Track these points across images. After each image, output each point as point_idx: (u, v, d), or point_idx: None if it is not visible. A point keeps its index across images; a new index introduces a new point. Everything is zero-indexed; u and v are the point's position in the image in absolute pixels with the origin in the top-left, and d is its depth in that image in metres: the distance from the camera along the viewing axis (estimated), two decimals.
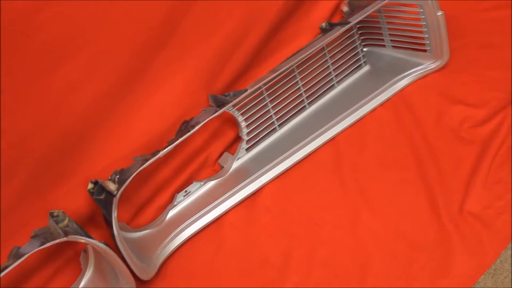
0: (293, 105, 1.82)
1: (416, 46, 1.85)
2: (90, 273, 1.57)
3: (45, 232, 1.41)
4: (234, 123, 1.75)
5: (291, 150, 1.74)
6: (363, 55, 1.95)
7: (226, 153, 1.81)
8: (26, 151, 1.48)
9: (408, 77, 1.87)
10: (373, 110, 1.83)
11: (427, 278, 1.39)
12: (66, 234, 1.37)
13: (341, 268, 1.46)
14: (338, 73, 1.89)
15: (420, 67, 1.87)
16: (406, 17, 1.81)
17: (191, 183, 1.73)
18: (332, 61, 1.85)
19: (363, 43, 1.95)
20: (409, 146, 1.68)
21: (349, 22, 1.74)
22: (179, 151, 1.72)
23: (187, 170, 1.77)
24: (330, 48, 1.82)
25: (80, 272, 1.58)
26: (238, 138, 1.80)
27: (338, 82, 1.90)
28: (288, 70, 1.73)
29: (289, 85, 1.77)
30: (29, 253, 1.33)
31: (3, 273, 1.29)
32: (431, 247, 1.44)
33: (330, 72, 1.86)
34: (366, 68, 1.97)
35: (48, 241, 1.35)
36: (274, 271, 1.50)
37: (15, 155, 1.46)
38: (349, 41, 1.89)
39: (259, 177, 1.72)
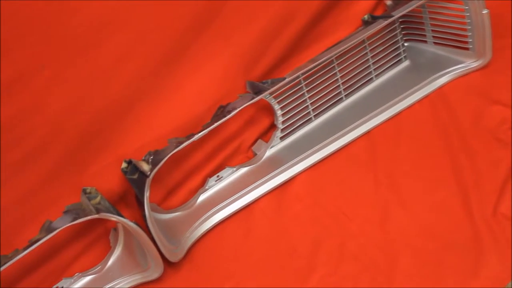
0: (330, 96, 1.82)
1: (459, 43, 1.83)
2: (118, 251, 1.60)
3: (77, 208, 1.43)
4: (270, 111, 1.76)
5: (325, 141, 1.75)
6: (403, 50, 1.94)
7: (260, 141, 1.82)
8: (64, 126, 1.51)
9: (448, 75, 1.86)
10: (410, 106, 1.82)
11: (457, 279, 1.38)
12: (98, 211, 1.39)
13: (369, 262, 1.46)
14: (377, 67, 1.88)
15: (461, 65, 1.86)
16: (450, 14, 1.80)
17: (224, 168, 1.74)
18: (372, 54, 1.85)
19: (404, 38, 1.94)
20: (445, 144, 1.67)
21: (392, 16, 1.75)
22: (213, 136, 1.73)
23: (220, 155, 1.79)
24: (371, 41, 1.82)
25: (109, 250, 1.62)
26: (273, 126, 1.81)
27: (377, 75, 1.89)
28: (328, 61, 1.73)
29: (327, 76, 1.78)
30: (61, 228, 1.36)
31: (34, 246, 1.33)
32: (462, 248, 1.43)
33: (369, 65, 1.86)
34: (406, 63, 1.96)
35: (80, 217, 1.38)
36: (302, 261, 1.51)
37: (53, 130, 1.49)
38: (391, 35, 1.89)
39: (292, 167, 1.73)
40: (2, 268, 1.32)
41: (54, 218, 1.41)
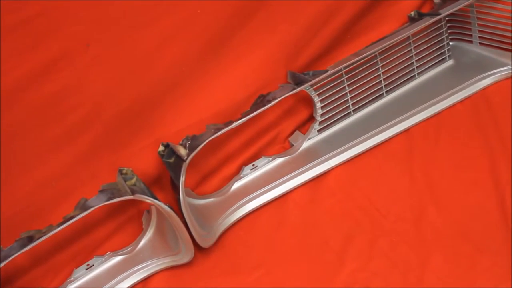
0: (370, 92, 1.82)
1: (505, 45, 1.82)
2: (150, 233, 1.63)
3: (113, 188, 1.47)
4: (309, 103, 1.77)
5: (363, 137, 1.76)
6: (448, 49, 1.94)
7: (297, 132, 1.83)
8: (105, 106, 1.55)
9: (492, 77, 1.85)
10: (451, 106, 1.82)
11: (489, 282, 1.37)
12: (133, 192, 1.42)
13: (401, 260, 1.47)
14: (421, 65, 1.89)
15: (507, 67, 1.85)
16: (498, 15, 1.78)
17: (260, 157, 1.76)
18: (416, 52, 1.85)
19: (449, 37, 1.94)
20: (485, 146, 1.66)
21: (439, 14, 1.75)
22: (251, 125, 1.76)
23: (257, 144, 1.81)
24: (415, 38, 1.82)
25: (141, 232, 1.65)
26: (311, 118, 1.82)
27: (420, 73, 1.89)
28: (371, 56, 1.74)
29: (369, 71, 1.78)
30: (95, 207, 1.40)
31: (68, 223, 1.37)
32: (497, 251, 1.42)
33: (412, 63, 1.86)
34: (449, 63, 1.96)
35: (115, 197, 1.42)
36: (333, 255, 1.52)
37: (94, 109, 1.52)
38: (436, 33, 1.88)
39: (328, 160, 1.74)
40: (36, 242, 1.36)
41: (89, 196, 1.45)
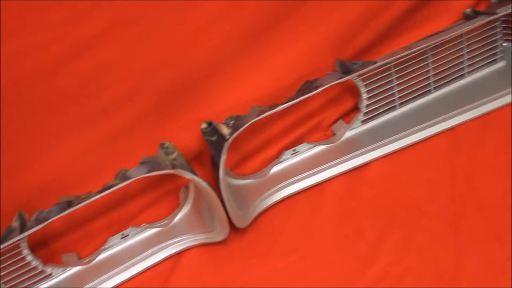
0: (418, 87, 1.82)
1: None
2: (187, 209, 1.66)
3: (154, 161, 1.49)
4: (355, 93, 1.77)
5: (407, 131, 1.76)
6: (501, 50, 1.91)
7: (340, 121, 1.84)
8: (151, 80, 1.57)
9: None
10: (500, 108, 1.80)
11: None
12: (173, 167, 1.44)
13: (435, 259, 1.47)
14: (472, 63, 1.86)
15: None
16: None
17: (301, 143, 1.78)
18: (468, 50, 1.83)
19: (504, 38, 1.91)
20: None
21: (496, 13, 1.74)
22: (294, 110, 1.77)
23: (299, 130, 1.82)
24: (469, 36, 1.80)
25: (177, 207, 1.68)
26: (355, 109, 1.82)
27: (470, 72, 1.88)
28: (422, 51, 1.73)
29: (419, 66, 1.77)
30: (135, 178, 1.43)
31: (107, 191, 1.41)
32: None
33: (463, 61, 1.84)
34: (501, 64, 1.94)
35: (155, 170, 1.44)
36: (367, 247, 1.53)
37: (141, 82, 1.55)
38: (491, 33, 1.86)
39: (370, 151, 1.75)
40: (75, 207, 1.41)
41: (129, 167, 1.48)
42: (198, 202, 1.64)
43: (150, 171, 1.46)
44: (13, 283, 1.53)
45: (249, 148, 1.78)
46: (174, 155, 1.54)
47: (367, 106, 1.77)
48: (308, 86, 1.61)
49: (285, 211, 1.67)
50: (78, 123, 1.56)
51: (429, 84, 1.84)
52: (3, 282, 1.48)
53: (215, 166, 1.52)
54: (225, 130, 1.53)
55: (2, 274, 1.49)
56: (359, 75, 1.67)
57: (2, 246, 1.40)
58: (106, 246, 1.64)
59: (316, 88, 1.59)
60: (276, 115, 1.64)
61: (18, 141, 1.50)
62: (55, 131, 1.54)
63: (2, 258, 1.46)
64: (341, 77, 1.62)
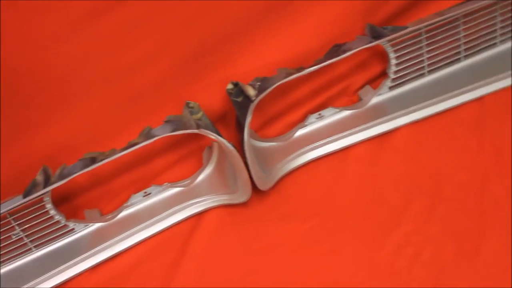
0: (448, 54, 1.78)
1: None
2: (210, 169, 1.67)
3: (178, 120, 1.49)
4: (384, 58, 1.75)
5: (435, 99, 1.74)
6: None
7: (367, 86, 1.82)
8: (179, 38, 1.56)
9: None
10: None
11: None
12: (198, 126, 1.44)
13: (457, 229, 1.47)
14: (504, 32, 1.82)
15: None
16: None
17: (326, 107, 1.76)
18: (501, 19, 1.79)
19: None
20: None
21: None
22: (321, 74, 1.76)
23: (325, 94, 1.82)
24: (502, 4, 1.76)
25: (200, 167, 1.69)
26: (383, 74, 1.80)
27: (502, 41, 1.84)
28: (454, 17, 1.70)
29: (450, 33, 1.74)
30: (160, 136, 1.43)
31: (131, 149, 1.43)
32: None
33: (495, 30, 1.80)
34: None
35: (180, 129, 1.44)
36: (390, 214, 1.53)
37: (168, 40, 1.55)
38: None
39: (396, 118, 1.73)
40: (99, 164, 1.42)
41: (154, 125, 1.48)
42: (221, 163, 1.64)
43: (174, 130, 1.46)
44: (36, 236, 1.56)
45: (274, 111, 1.78)
46: (199, 114, 1.54)
47: (396, 72, 1.74)
48: (336, 49, 1.59)
49: (308, 175, 1.67)
50: (104, 80, 1.56)
51: (459, 52, 1.80)
52: (26, 235, 1.51)
53: (240, 127, 1.52)
54: (251, 92, 1.52)
55: (25, 227, 1.50)
56: (389, 40, 1.64)
57: (27, 199, 1.42)
58: (128, 204, 1.66)
59: (345, 52, 1.57)
60: (303, 78, 1.63)
61: (44, 96, 1.52)
62: (82, 87, 1.55)
63: (26, 211, 1.47)
64: (371, 42, 1.60)
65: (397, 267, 1.42)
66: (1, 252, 1.54)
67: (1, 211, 1.43)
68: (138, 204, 1.67)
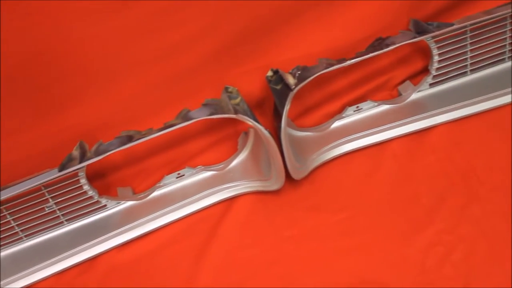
0: (492, 54, 1.76)
1: None
2: (244, 155, 1.68)
3: (216, 104, 1.50)
4: (426, 55, 1.75)
5: (475, 99, 1.73)
6: None
7: (408, 82, 1.82)
8: (222, 22, 1.57)
9: None
10: None
11: None
12: (236, 112, 1.45)
13: (490, 230, 1.47)
14: None
15: None
16: None
17: (365, 101, 1.76)
18: None
19: None
20: None
21: None
22: (362, 66, 1.76)
23: (364, 87, 1.81)
24: None
25: (234, 152, 1.70)
26: (424, 71, 1.80)
27: None
28: (501, 17, 1.68)
29: (496, 32, 1.72)
30: (197, 119, 1.45)
31: (168, 130, 1.44)
32: None
33: None
34: None
35: (217, 113, 1.45)
36: (422, 212, 1.52)
37: (213, 23, 1.56)
38: None
39: (435, 116, 1.72)
40: (135, 142, 1.44)
41: (191, 108, 1.49)
42: (256, 149, 1.65)
43: (212, 113, 1.47)
44: (68, 210, 1.59)
45: (312, 101, 1.78)
46: (238, 100, 1.55)
47: (437, 69, 1.73)
48: (379, 43, 1.59)
49: (342, 168, 1.68)
50: (145, 60, 1.57)
51: (504, 52, 1.78)
52: (59, 208, 1.54)
53: (278, 115, 1.52)
54: (291, 80, 1.52)
55: (58, 200, 1.54)
56: (433, 37, 1.63)
57: (62, 173, 1.45)
58: (161, 184, 1.67)
59: (388, 45, 1.57)
60: (343, 69, 1.63)
61: (85, 72, 1.54)
62: (123, 66, 1.56)
63: (60, 185, 1.50)
64: (414, 37, 1.59)
65: (427, 265, 1.42)
66: (34, 223, 1.56)
67: (36, 183, 1.46)
68: (170, 185, 1.68)
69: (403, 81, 1.83)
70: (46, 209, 1.56)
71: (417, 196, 1.56)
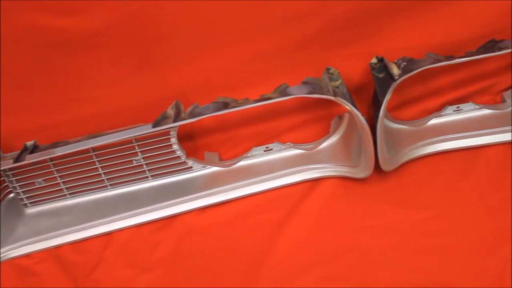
0: None
1: None
2: (335, 139, 1.70)
3: (316, 83, 1.51)
4: None
5: None
6: None
7: None
8: (331, 2, 1.60)
9: None
10: None
11: None
12: (335, 94, 1.46)
13: None
14: None
15: None
16: None
17: (467, 102, 1.75)
18: None
19: None
20: None
21: None
22: (468, 67, 1.74)
23: (468, 88, 1.80)
24: None
25: (325, 134, 1.72)
26: None
27: None
28: None
29: None
30: (295, 96, 1.46)
31: (265, 102, 1.47)
32: None
33: None
34: None
35: (316, 93, 1.47)
36: (509, 224, 1.50)
37: (322, 3, 1.56)
38: None
39: None
40: (230, 110, 1.47)
41: (290, 84, 1.51)
42: (349, 135, 1.66)
43: (310, 92, 1.48)
44: (154, 167, 1.65)
45: (412, 94, 1.78)
46: (338, 82, 1.55)
47: None
48: (492, 45, 1.56)
49: (433, 166, 1.66)
50: (253, 28, 1.60)
51: None
52: (146, 163, 1.60)
53: (377, 104, 1.53)
54: (395, 70, 1.52)
55: (147, 155, 1.60)
56: None
57: (155, 129, 1.50)
58: (248, 155, 1.71)
59: (501, 49, 1.53)
60: (448, 67, 1.62)
61: (192, 32, 1.59)
62: (227, 34, 1.61)
63: (150, 140, 1.57)
64: None
65: (505, 279, 1.40)
66: (120, 174, 1.64)
67: (129, 135, 1.52)
68: (258, 157, 1.72)
69: (508, 88, 1.80)
70: (134, 162, 1.63)
71: (506, 206, 1.53)
